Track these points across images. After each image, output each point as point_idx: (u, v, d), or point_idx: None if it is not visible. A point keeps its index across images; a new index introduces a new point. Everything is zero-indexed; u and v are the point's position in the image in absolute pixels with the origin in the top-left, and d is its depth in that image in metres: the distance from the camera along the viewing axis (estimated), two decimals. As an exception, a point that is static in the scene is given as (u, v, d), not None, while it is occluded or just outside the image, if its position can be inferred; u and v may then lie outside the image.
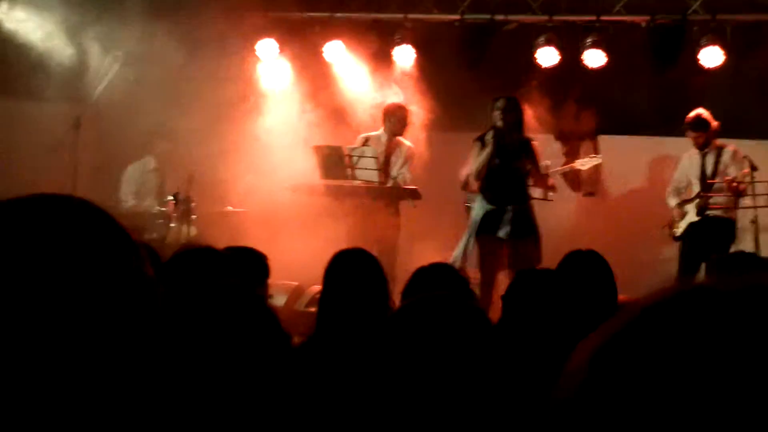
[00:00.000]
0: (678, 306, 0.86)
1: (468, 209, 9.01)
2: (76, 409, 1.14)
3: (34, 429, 1.12)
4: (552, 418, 0.89)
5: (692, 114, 9.17)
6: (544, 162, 9.01)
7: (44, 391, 1.13)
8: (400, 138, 9.66)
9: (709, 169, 9.21)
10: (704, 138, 9.14)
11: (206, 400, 2.04)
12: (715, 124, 9.12)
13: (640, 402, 0.82)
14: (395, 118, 9.62)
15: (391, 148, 9.60)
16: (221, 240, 6.21)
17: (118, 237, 1.22)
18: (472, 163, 8.45)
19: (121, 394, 1.18)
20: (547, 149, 9.63)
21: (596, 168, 9.93)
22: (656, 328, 0.85)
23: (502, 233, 8.20)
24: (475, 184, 8.67)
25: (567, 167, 9.76)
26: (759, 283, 0.87)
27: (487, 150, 8.22)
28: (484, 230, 8.28)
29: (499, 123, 8.24)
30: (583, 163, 9.64)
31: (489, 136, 8.30)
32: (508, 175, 8.23)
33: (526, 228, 8.22)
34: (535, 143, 8.53)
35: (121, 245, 1.22)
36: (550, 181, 9.36)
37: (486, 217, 8.29)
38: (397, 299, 4.26)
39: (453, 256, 8.18)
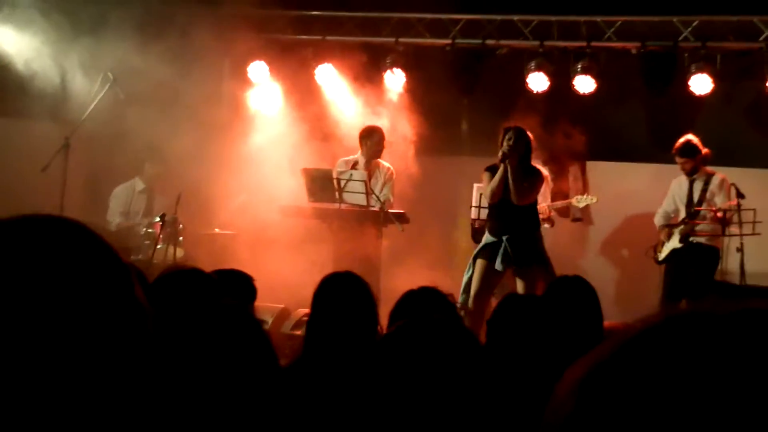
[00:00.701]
0: (666, 332, 0.85)
1: (474, 232, 9.08)
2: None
3: None
4: None
5: (681, 140, 9.19)
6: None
7: (37, 414, 1.11)
8: (378, 160, 9.71)
9: (696, 196, 9.23)
10: (692, 164, 9.16)
11: (198, 418, 2.02)
12: (704, 151, 9.14)
13: (626, 428, 0.81)
14: (371, 141, 9.69)
15: (370, 170, 9.64)
16: (208, 261, 6.20)
17: (108, 258, 1.21)
18: (484, 189, 8.45)
19: (114, 415, 1.17)
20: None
21: (584, 194, 9.94)
22: (644, 355, 0.84)
23: (497, 265, 8.21)
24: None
25: (564, 203, 9.78)
26: (748, 308, 0.86)
27: (500, 171, 8.22)
28: (484, 258, 8.31)
29: (507, 151, 8.25)
30: (579, 201, 9.65)
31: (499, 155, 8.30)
32: (508, 206, 8.25)
33: (528, 256, 8.21)
34: (543, 173, 8.55)
35: (111, 267, 1.21)
36: (550, 213, 9.41)
37: (485, 248, 8.32)
38: (383, 321, 4.25)
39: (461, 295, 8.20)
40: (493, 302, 7.52)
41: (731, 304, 0.87)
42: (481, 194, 8.99)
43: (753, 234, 8.85)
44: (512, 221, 8.23)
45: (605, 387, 0.84)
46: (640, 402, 0.81)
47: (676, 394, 0.81)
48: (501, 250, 8.18)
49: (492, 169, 8.34)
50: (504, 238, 8.20)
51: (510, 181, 8.19)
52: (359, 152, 9.78)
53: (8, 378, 1.10)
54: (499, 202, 8.28)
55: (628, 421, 0.81)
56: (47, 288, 1.14)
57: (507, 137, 8.27)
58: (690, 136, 9.15)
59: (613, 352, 0.86)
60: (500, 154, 8.21)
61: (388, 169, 9.73)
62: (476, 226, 9.12)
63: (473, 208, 9.21)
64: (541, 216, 8.78)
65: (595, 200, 9.64)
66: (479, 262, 8.29)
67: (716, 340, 0.83)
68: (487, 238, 8.37)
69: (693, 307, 0.88)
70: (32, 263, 1.15)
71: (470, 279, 8.31)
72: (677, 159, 9.20)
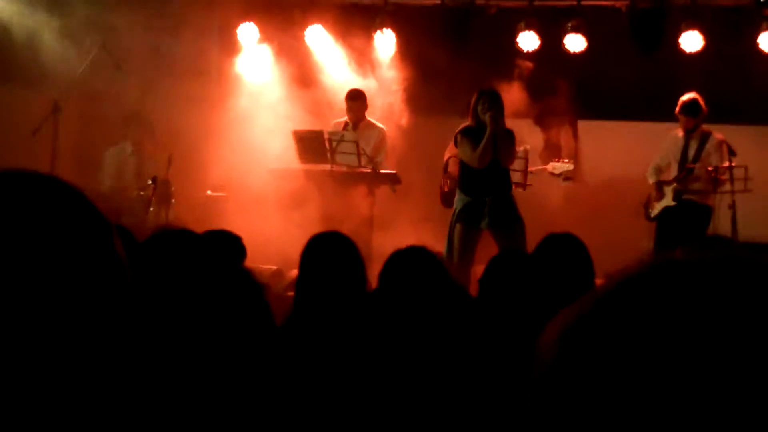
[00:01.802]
0: (649, 279, 0.85)
1: (444, 196, 9.04)
2: (47, 388, 1.13)
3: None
4: (528, 396, 0.88)
5: (686, 98, 9.10)
6: (524, 146, 9.04)
7: (15, 371, 1.12)
8: (371, 120, 9.72)
9: (690, 154, 9.22)
10: (694, 123, 9.11)
11: (193, 378, 2.03)
12: (705, 110, 9.11)
13: (611, 377, 0.81)
14: (354, 104, 9.72)
15: (361, 131, 9.64)
16: (200, 224, 6.19)
17: (87, 213, 1.21)
18: (465, 153, 8.37)
19: (96, 375, 1.17)
20: (527, 134, 9.65)
21: (575, 152, 9.94)
22: (627, 302, 0.84)
23: (483, 224, 8.23)
24: (455, 170, 8.70)
25: (539, 168, 9.73)
26: (732, 255, 0.86)
27: (488, 135, 8.19)
28: (465, 222, 8.30)
29: (486, 115, 8.23)
30: (554, 168, 9.62)
31: (486, 119, 8.24)
32: (489, 167, 8.25)
33: (509, 218, 8.24)
34: (514, 134, 8.55)
35: (90, 221, 1.21)
36: (530, 169, 9.40)
37: (465, 209, 8.31)
38: (373, 282, 4.26)
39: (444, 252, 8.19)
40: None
41: (716, 253, 0.87)
42: (449, 159, 8.97)
43: (744, 191, 8.88)
44: (495, 183, 8.25)
45: (588, 335, 0.84)
46: (622, 349, 0.82)
47: (657, 341, 0.81)
48: (486, 210, 8.19)
49: (469, 133, 8.30)
50: (486, 199, 8.21)
51: (498, 145, 8.19)
52: (345, 116, 9.82)
53: None
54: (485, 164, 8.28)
55: (610, 368, 0.81)
56: (22, 239, 1.14)
57: (482, 101, 8.26)
58: (695, 95, 9.09)
59: (596, 299, 0.86)
60: (488, 118, 8.18)
61: (381, 129, 9.73)
62: (445, 189, 9.11)
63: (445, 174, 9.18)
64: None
65: (571, 167, 9.61)
66: (458, 227, 8.29)
67: (698, 286, 0.83)
68: (463, 199, 8.33)
69: (677, 255, 0.88)
70: (6, 215, 1.15)
71: (450, 248, 8.30)
72: (681, 116, 9.14)
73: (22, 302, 1.12)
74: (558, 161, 9.63)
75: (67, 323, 1.14)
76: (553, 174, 9.58)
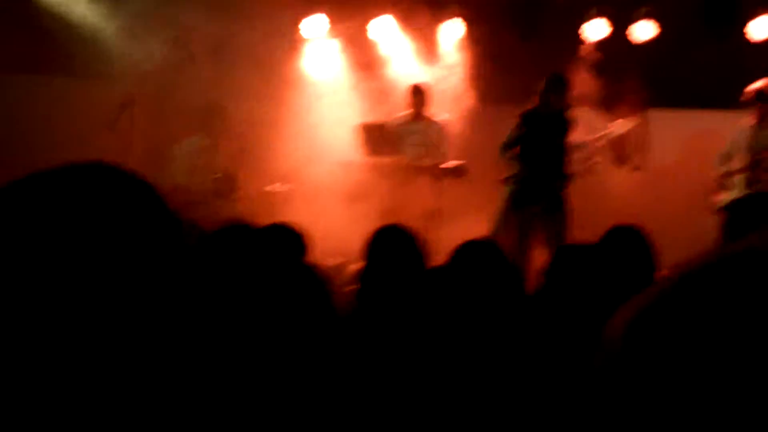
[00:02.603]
0: (719, 269, 0.84)
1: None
2: (113, 374, 1.16)
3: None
4: (591, 385, 0.88)
5: (759, 84, 8.95)
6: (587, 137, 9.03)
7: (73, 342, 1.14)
8: (429, 115, 9.72)
9: (761, 143, 9.05)
10: (765, 110, 8.95)
11: (258, 369, 2.06)
12: None
13: (676, 370, 0.81)
14: (419, 98, 9.71)
15: (424, 124, 9.64)
16: (266, 218, 6.25)
17: (156, 207, 1.23)
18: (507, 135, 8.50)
19: (158, 366, 1.19)
20: (595, 123, 9.57)
21: (644, 141, 9.81)
22: (696, 292, 0.83)
23: (528, 208, 8.24)
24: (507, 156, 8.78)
25: (606, 132, 9.64)
26: None
27: (519, 127, 8.29)
28: (517, 204, 8.33)
29: (543, 100, 8.27)
30: (620, 126, 9.53)
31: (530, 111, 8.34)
32: (542, 151, 8.25)
33: (557, 204, 8.25)
34: (575, 118, 8.52)
35: (158, 216, 1.23)
36: (594, 156, 9.33)
37: (519, 191, 8.33)
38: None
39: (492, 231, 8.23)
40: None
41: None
42: None
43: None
44: (547, 166, 8.24)
45: (653, 327, 0.84)
46: (687, 342, 0.81)
47: (724, 334, 0.80)
48: (532, 194, 8.21)
49: (526, 117, 8.35)
50: (541, 183, 8.22)
51: (548, 129, 8.18)
52: (411, 109, 9.82)
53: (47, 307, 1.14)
54: (533, 146, 8.28)
55: (675, 361, 0.81)
56: (90, 232, 1.16)
57: (545, 84, 8.28)
58: (765, 82, 8.92)
59: (662, 291, 0.86)
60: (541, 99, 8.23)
61: (440, 124, 9.73)
62: None
63: None
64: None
65: (635, 123, 9.50)
66: (505, 209, 8.34)
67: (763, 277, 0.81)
68: (518, 180, 8.38)
69: (746, 246, 0.86)
70: (75, 208, 1.18)
71: (501, 218, 8.37)
72: (752, 104, 8.97)
73: (88, 295, 1.14)
74: (643, 144, 9.53)
75: (131, 318, 1.16)
76: (618, 132, 9.46)
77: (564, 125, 8.29)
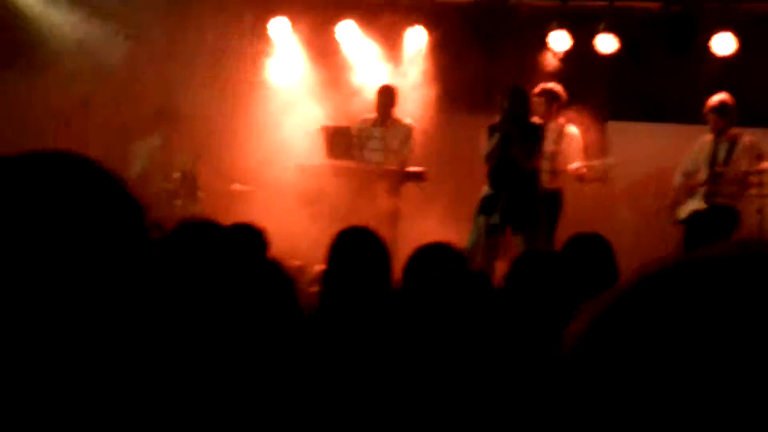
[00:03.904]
0: (676, 274, 0.84)
1: None
2: (70, 368, 1.13)
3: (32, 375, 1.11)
4: (551, 390, 0.87)
5: (716, 99, 9.04)
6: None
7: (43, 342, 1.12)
8: (399, 117, 9.73)
9: (720, 157, 9.14)
10: (723, 124, 9.05)
11: (221, 366, 2.03)
12: (735, 112, 9.03)
13: (633, 372, 0.81)
14: (384, 100, 9.72)
15: (389, 128, 9.64)
16: (227, 218, 6.20)
17: (119, 194, 1.22)
18: (482, 149, 8.51)
19: (121, 360, 1.17)
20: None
21: (604, 154, 9.88)
22: (653, 296, 0.84)
23: (493, 219, 8.25)
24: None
25: (587, 165, 9.64)
26: (758, 252, 0.85)
27: (495, 137, 8.29)
28: (482, 212, 8.36)
29: (504, 112, 8.31)
30: (603, 163, 9.54)
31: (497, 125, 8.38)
32: (507, 166, 8.27)
33: (523, 217, 8.22)
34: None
35: (122, 202, 1.21)
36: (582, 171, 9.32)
37: (484, 200, 8.37)
38: (398, 277, 4.27)
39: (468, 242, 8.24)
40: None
41: (737, 250, 0.86)
42: None
43: (774, 196, 8.80)
44: (510, 179, 8.26)
45: (611, 330, 0.84)
46: (645, 345, 0.81)
47: (681, 337, 0.80)
48: (499, 205, 8.20)
49: (491, 128, 8.40)
50: (501, 194, 8.23)
51: (514, 142, 8.20)
52: (374, 112, 9.83)
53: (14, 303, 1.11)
54: (499, 160, 8.31)
55: (632, 364, 0.81)
56: (53, 217, 1.15)
57: (503, 97, 8.32)
58: (725, 96, 9.03)
59: (621, 294, 0.86)
60: (500, 115, 8.28)
61: (408, 126, 9.73)
62: None
63: None
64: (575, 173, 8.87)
65: (613, 162, 9.55)
66: (480, 218, 8.35)
67: (722, 282, 0.82)
68: (486, 190, 8.41)
69: (702, 254, 0.87)
70: (39, 195, 1.16)
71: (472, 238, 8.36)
72: (710, 117, 9.06)
73: (50, 280, 1.12)
74: (601, 156, 9.58)
75: (95, 305, 1.14)
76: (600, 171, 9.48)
77: (530, 137, 8.29)
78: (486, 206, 8.32)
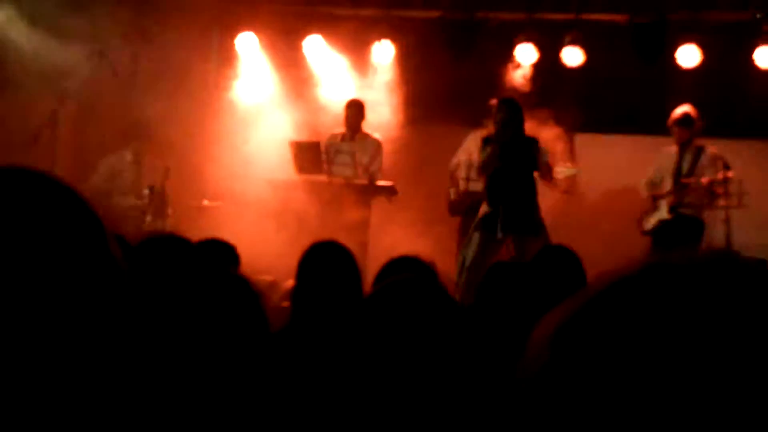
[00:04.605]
0: (642, 278, 0.85)
1: (452, 205, 9.19)
2: (39, 387, 1.12)
3: None
4: (517, 397, 0.88)
5: (680, 111, 9.13)
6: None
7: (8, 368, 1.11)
8: (367, 132, 9.74)
9: (685, 168, 9.23)
10: (688, 135, 9.13)
11: (189, 381, 2.02)
12: (699, 123, 9.12)
13: (600, 376, 0.82)
14: (353, 114, 9.75)
15: (357, 142, 9.65)
16: (197, 234, 6.18)
17: (79, 209, 1.21)
18: (479, 157, 8.55)
19: (90, 375, 1.16)
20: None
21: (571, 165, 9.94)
22: (619, 300, 0.85)
23: (498, 234, 8.24)
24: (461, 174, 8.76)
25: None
26: (723, 257, 0.87)
27: (489, 148, 8.31)
28: (483, 230, 8.34)
29: (497, 125, 8.32)
30: (559, 172, 9.61)
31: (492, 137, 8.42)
32: (504, 177, 8.27)
33: (524, 226, 8.22)
34: (540, 143, 8.62)
35: (82, 218, 1.20)
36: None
37: (485, 217, 8.36)
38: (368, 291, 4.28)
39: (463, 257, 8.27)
40: None
41: (702, 256, 0.87)
42: (457, 165, 9.11)
43: (739, 206, 8.86)
44: (509, 191, 8.26)
45: (577, 334, 0.85)
46: (611, 348, 0.82)
47: (647, 341, 0.81)
48: (500, 219, 8.20)
49: (485, 141, 8.44)
50: (500, 207, 8.23)
51: (510, 154, 8.23)
52: (343, 126, 9.84)
53: None
54: (493, 172, 8.32)
55: (600, 368, 0.82)
56: (13, 234, 1.14)
57: (496, 109, 8.33)
58: (688, 108, 9.12)
59: (587, 299, 0.87)
60: (494, 126, 8.31)
61: (377, 141, 9.74)
62: (452, 198, 9.25)
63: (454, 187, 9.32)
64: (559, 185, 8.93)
65: (575, 171, 9.61)
66: (476, 235, 8.33)
67: (688, 286, 0.84)
68: (484, 208, 8.41)
69: (669, 256, 0.88)
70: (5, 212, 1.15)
71: (466, 255, 8.36)
72: (675, 129, 9.15)
73: (12, 298, 1.11)
74: (563, 165, 9.63)
75: (60, 322, 1.13)
76: (557, 177, 9.54)
77: (525, 150, 8.30)
78: (487, 223, 8.29)
